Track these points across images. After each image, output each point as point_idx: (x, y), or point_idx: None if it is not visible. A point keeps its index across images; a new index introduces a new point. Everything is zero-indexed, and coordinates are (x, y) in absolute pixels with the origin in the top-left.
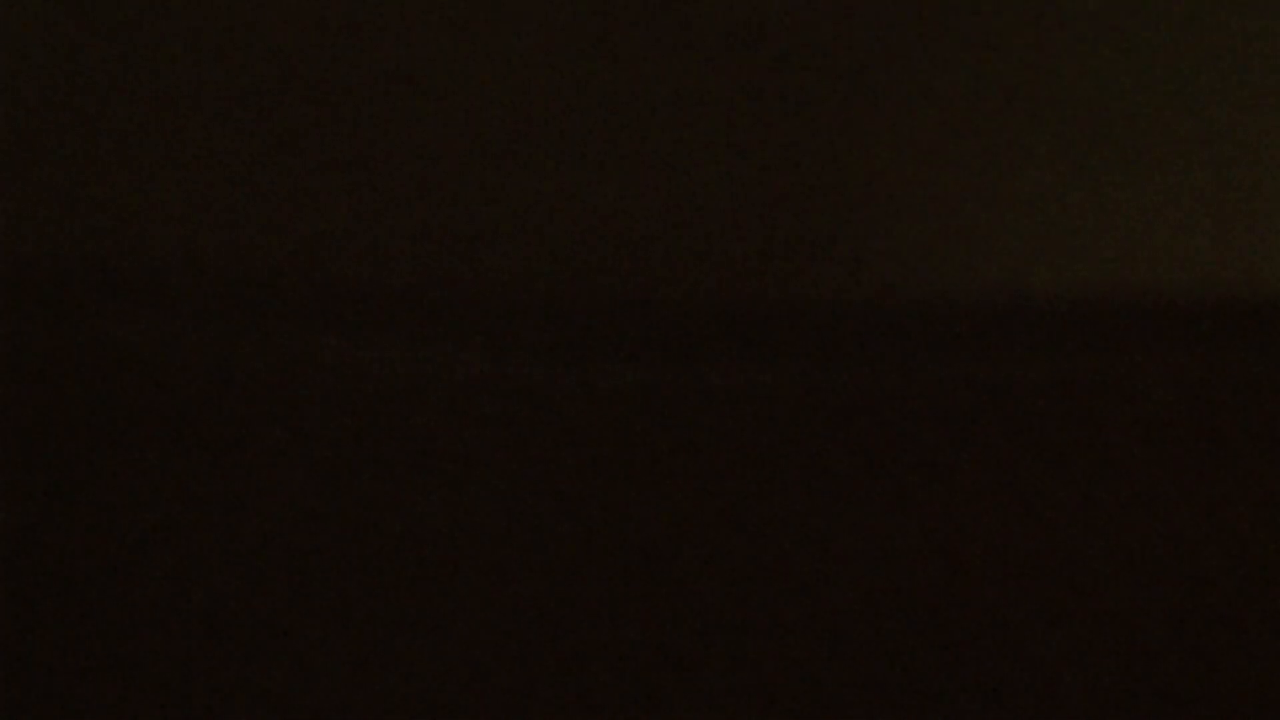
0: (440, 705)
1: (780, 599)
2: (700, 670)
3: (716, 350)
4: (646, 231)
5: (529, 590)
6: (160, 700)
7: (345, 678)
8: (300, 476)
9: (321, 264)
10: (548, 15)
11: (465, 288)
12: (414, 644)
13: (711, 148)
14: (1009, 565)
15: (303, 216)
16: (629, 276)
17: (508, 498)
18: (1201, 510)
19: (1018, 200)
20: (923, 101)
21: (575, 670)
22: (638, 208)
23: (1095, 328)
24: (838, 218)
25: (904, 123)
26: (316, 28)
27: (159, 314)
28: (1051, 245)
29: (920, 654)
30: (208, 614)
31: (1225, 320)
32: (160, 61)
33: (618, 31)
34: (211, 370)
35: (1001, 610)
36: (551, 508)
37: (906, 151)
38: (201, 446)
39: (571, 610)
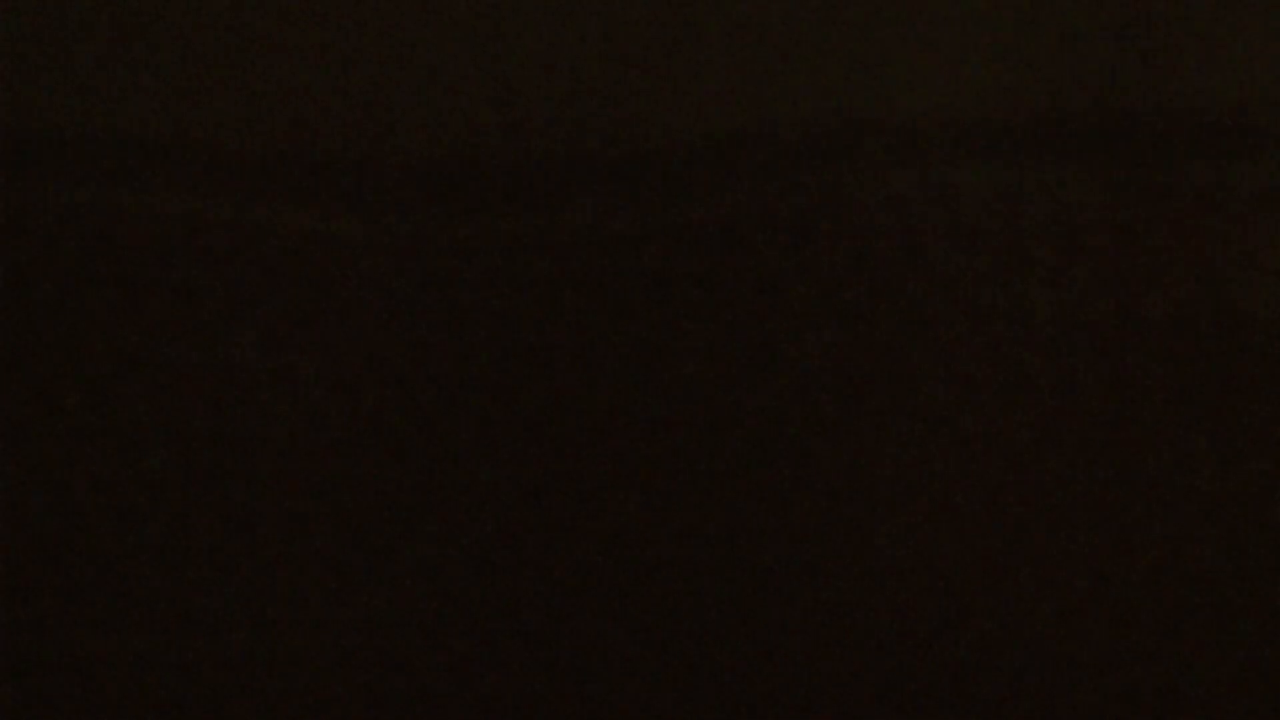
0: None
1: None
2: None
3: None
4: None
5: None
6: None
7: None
8: (188, 333)
9: (205, 131)
10: None
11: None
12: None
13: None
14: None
15: (179, 83)
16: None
17: (390, 348)
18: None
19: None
20: None
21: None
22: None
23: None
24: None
25: None
26: None
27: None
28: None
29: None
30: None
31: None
32: None
33: None
34: (104, 231)
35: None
36: (432, 354)
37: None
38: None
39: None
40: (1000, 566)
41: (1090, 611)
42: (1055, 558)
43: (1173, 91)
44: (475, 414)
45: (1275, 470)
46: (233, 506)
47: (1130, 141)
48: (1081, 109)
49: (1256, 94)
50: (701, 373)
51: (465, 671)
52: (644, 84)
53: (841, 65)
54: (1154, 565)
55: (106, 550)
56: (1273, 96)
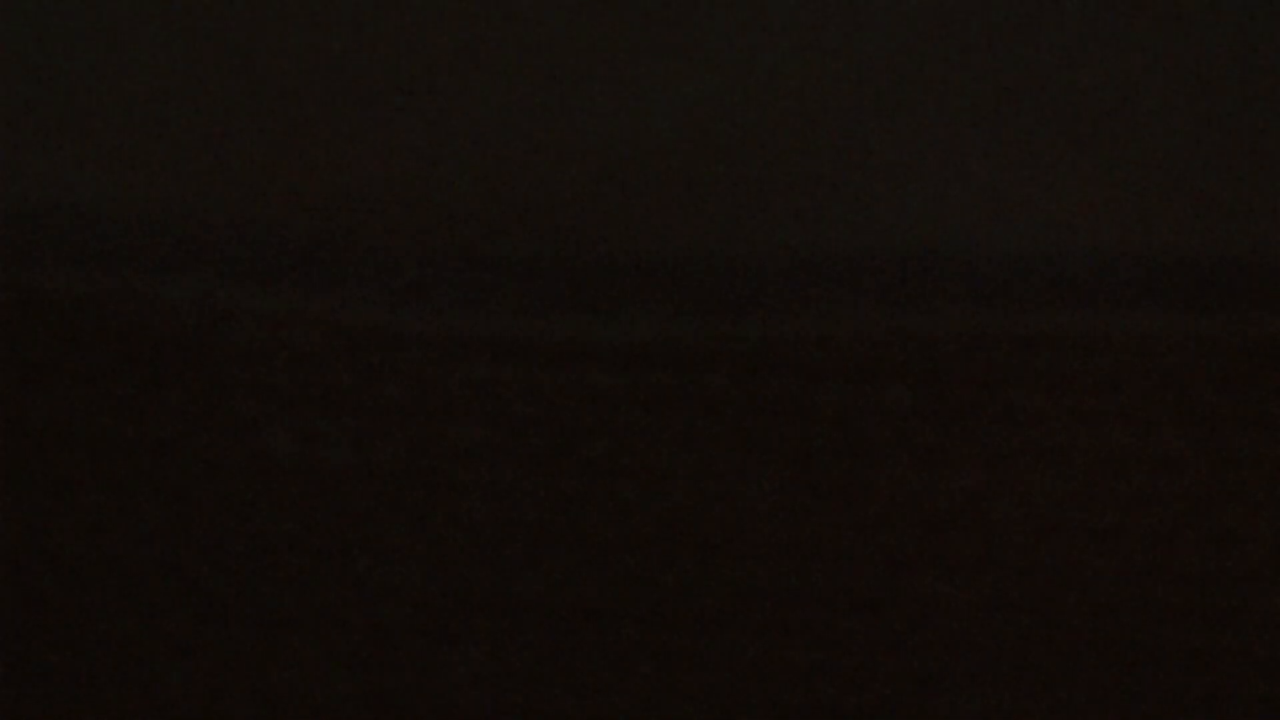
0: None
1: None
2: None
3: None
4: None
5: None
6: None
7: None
8: (219, 424)
9: (243, 219)
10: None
11: (417, 243)
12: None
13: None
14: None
15: (240, 170)
16: (586, 233)
17: (431, 448)
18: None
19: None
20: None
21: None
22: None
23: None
24: (767, 176)
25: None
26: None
27: (102, 267)
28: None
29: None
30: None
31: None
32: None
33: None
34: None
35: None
36: (495, 466)
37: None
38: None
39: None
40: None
41: None
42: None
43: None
44: (512, 518)
45: None
46: (264, 600)
47: (1230, 291)
48: (1178, 253)
49: None
50: (764, 502)
51: None
52: (717, 195)
53: (930, 196)
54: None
55: (134, 656)
56: None
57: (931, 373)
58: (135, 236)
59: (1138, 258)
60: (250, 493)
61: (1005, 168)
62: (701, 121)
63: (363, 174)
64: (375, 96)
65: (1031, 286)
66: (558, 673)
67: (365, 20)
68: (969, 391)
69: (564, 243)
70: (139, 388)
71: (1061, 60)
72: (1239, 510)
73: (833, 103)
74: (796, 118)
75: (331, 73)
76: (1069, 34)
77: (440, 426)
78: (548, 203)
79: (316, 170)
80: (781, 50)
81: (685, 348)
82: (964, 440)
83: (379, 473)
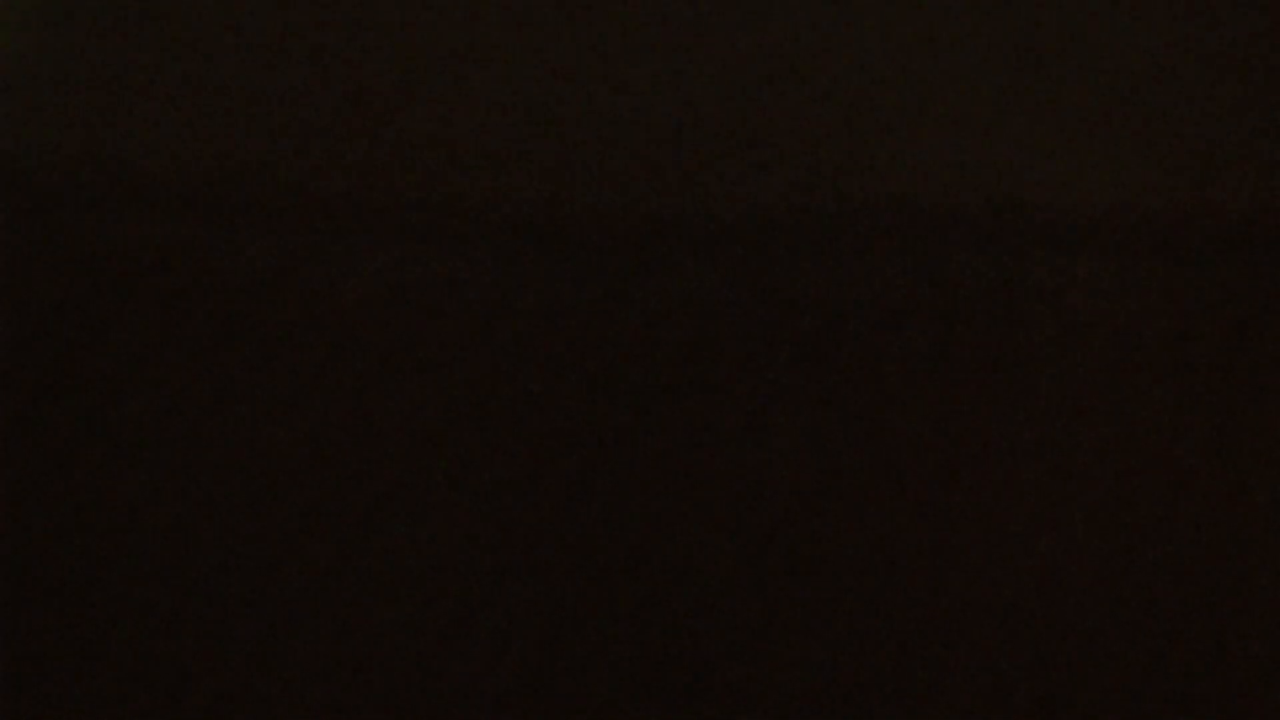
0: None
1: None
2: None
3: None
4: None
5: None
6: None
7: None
8: (283, 371)
9: (301, 169)
10: None
11: (433, 192)
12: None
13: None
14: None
15: (281, 121)
16: (604, 184)
17: (471, 402)
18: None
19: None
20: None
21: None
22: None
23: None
24: (791, 125)
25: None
26: None
27: (151, 215)
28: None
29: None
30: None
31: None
32: None
33: None
34: (197, 272)
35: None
36: (514, 416)
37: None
38: (184, 347)
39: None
40: (1100, 652)
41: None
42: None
43: None
44: (568, 461)
45: None
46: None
47: (1240, 242)
48: (1195, 205)
49: None
50: (800, 444)
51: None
52: (750, 146)
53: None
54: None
55: (194, 587)
56: None
57: (952, 317)
58: (208, 188)
59: (1149, 210)
60: (305, 440)
61: (1020, 120)
62: (722, 80)
63: (398, 129)
64: (431, 61)
65: (1053, 235)
66: (610, 598)
67: None
68: (988, 336)
69: (613, 201)
70: (206, 331)
71: (1076, 11)
72: (1257, 460)
73: (848, 56)
74: (812, 72)
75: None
76: None
77: (489, 373)
78: (598, 161)
79: (382, 122)
80: (795, 4)
81: (721, 298)
82: (983, 383)
83: (434, 417)
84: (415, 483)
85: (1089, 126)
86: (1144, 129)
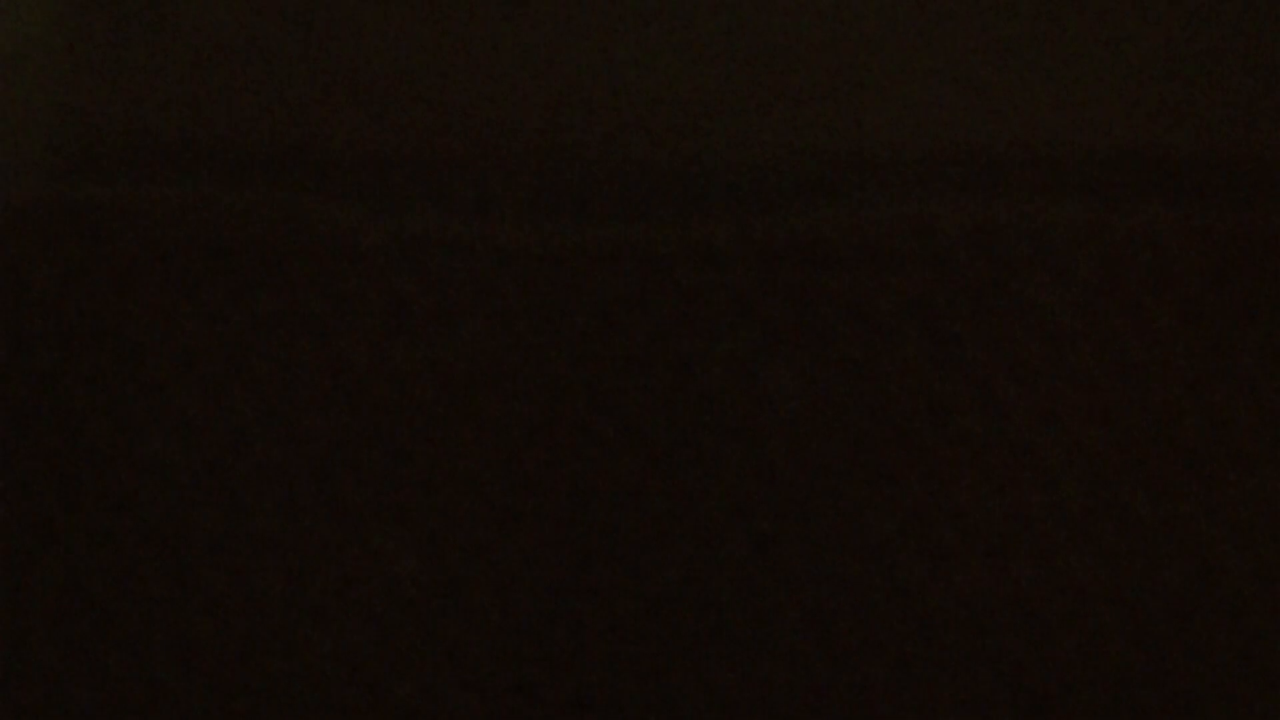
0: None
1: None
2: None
3: (689, 209)
4: (612, 92)
5: (504, 450)
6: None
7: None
8: (285, 336)
9: (304, 129)
10: None
11: (444, 152)
12: (387, 493)
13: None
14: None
15: (282, 83)
16: (597, 137)
17: (485, 358)
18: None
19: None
20: None
21: (544, 526)
22: (602, 67)
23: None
24: (791, 76)
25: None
26: None
27: (151, 178)
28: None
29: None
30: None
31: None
32: None
33: None
34: (196, 233)
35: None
36: (529, 367)
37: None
38: (187, 308)
39: (540, 469)
40: (1076, 589)
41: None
42: (1138, 587)
43: (1263, 137)
44: (575, 416)
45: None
46: (283, 486)
47: (1221, 181)
48: (1176, 146)
49: None
50: (787, 388)
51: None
52: (736, 98)
53: (933, 91)
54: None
55: (207, 545)
56: None
57: (941, 262)
58: (203, 148)
59: (1140, 151)
60: (325, 394)
61: (1012, 62)
62: (708, 26)
63: (417, 86)
64: (412, 17)
65: (1038, 179)
66: (618, 551)
67: None
68: (976, 280)
69: (606, 152)
70: (219, 295)
71: None
72: (1233, 394)
73: (837, 2)
74: (800, 18)
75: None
76: None
77: (498, 331)
78: (591, 113)
79: (382, 82)
80: None
81: (703, 245)
82: (972, 326)
83: (444, 375)
84: (424, 443)
85: (1061, 69)
86: (1117, 69)
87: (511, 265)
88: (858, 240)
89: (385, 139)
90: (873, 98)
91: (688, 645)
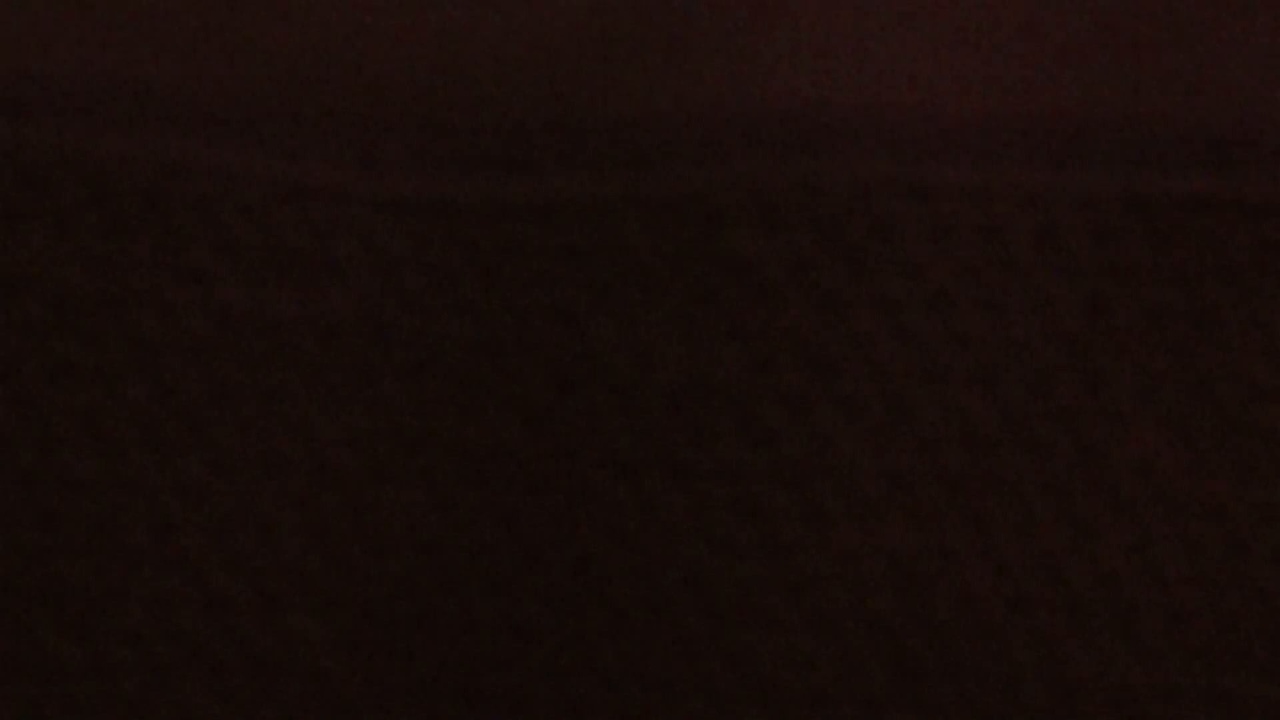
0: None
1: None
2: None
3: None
4: (498, 47)
5: (395, 391)
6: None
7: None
8: (164, 281)
9: (192, 78)
10: None
11: (330, 103)
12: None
13: None
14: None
15: (172, 31)
16: (485, 90)
17: (366, 307)
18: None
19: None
20: None
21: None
22: (490, 25)
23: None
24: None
25: None
26: None
27: (35, 124)
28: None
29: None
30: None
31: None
32: None
33: None
34: (76, 177)
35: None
36: (410, 317)
37: None
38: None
39: (429, 407)
40: (951, 550)
41: (1058, 601)
42: (1013, 549)
43: (1160, 103)
44: (454, 368)
45: (1227, 453)
46: (216, 441)
47: (1105, 146)
48: (1065, 113)
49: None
50: (671, 346)
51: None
52: (627, 54)
53: (827, 53)
54: (1116, 552)
55: (82, 481)
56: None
57: (825, 222)
58: (99, 93)
59: (1024, 115)
60: (203, 340)
61: (904, 26)
62: None
63: (302, 37)
64: None
65: (923, 140)
66: (494, 506)
67: None
68: (859, 240)
69: (493, 104)
70: (100, 239)
71: None
72: (1112, 354)
73: None
74: None
75: None
76: None
77: (378, 280)
78: (479, 65)
79: (268, 32)
80: None
81: (599, 202)
82: (854, 286)
83: (324, 324)
84: (301, 392)
85: (952, 34)
86: (1010, 36)
87: (393, 215)
88: (744, 199)
89: (273, 90)
90: (764, 58)
91: (561, 599)
